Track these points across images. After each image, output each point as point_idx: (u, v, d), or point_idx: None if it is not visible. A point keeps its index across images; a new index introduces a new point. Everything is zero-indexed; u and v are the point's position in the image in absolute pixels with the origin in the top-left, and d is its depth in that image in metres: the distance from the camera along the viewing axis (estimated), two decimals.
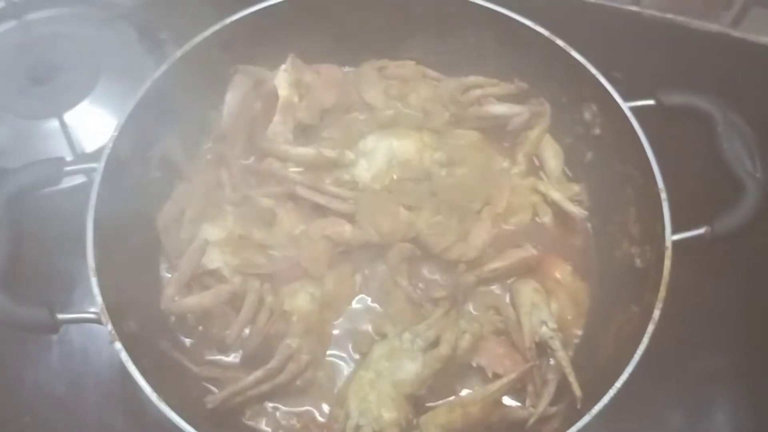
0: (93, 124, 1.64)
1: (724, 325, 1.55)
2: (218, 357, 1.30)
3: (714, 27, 1.98)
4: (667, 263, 1.19)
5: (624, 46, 1.87)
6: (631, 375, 1.12)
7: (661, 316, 1.17)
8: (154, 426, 1.12)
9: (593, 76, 1.37)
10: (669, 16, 1.99)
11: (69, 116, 1.65)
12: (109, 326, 1.11)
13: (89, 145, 1.61)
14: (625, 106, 1.34)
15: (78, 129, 1.64)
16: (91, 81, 1.68)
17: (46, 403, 1.40)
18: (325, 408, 1.26)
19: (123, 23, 1.78)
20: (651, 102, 1.36)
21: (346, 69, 1.56)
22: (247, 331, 1.26)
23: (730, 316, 1.56)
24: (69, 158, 1.37)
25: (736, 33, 1.98)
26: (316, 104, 1.45)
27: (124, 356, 1.09)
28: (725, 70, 1.85)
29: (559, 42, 1.40)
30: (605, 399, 1.09)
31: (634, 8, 2.01)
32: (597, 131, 1.42)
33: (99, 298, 1.12)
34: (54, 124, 1.65)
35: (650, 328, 1.15)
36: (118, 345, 1.10)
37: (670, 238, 1.22)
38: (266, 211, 1.36)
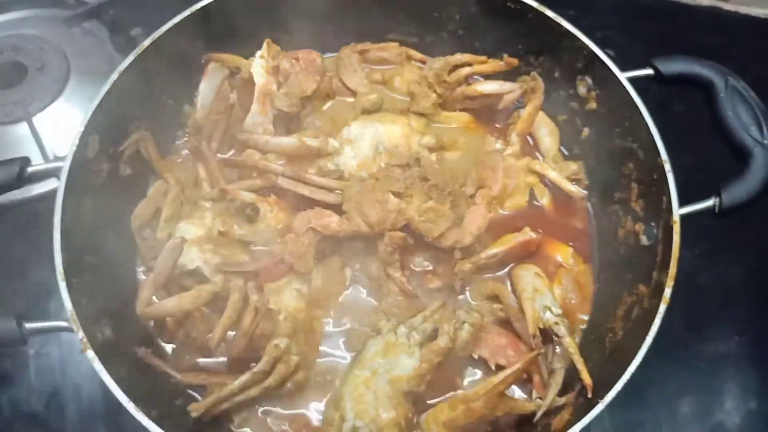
0: (64, 126, 1.55)
1: (734, 307, 1.48)
2: (204, 362, 1.22)
3: (704, 1, 1.93)
4: (676, 238, 1.12)
5: (614, 26, 1.82)
6: (641, 361, 1.05)
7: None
8: None
9: (587, 46, 1.31)
10: None
11: (38, 119, 1.57)
12: (81, 334, 1.03)
13: (60, 148, 1.52)
14: (622, 76, 1.28)
15: (48, 132, 1.56)
16: (61, 82, 1.61)
17: (25, 422, 1.32)
18: (319, 411, 1.18)
19: (92, 21, 1.71)
20: (649, 71, 1.30)
21: (327, 55, 1.48)
22: (231, 333, 1.17)
23: (741, 296, 1.49)
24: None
25: (728, 6, 1.93)
26: (296, 92, 1.37)
27: (98, 365, 1.01)
28: (719, 43, 1.80)
29: (549, 13, 1.33)
30: (618, 385, 1.02)
31: None
32: (593, 105, 1.36)
33: (68, 304, 1.05)
34: (23, 128, 1.57)
35: (662, 308, 1.07)
36: (90, 353, 1.02)
37: (678, 211, 1.15)
38: (247, 205, 1.28)
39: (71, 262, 1.10)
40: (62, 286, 1.06)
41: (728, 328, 1.46)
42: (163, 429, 1.00)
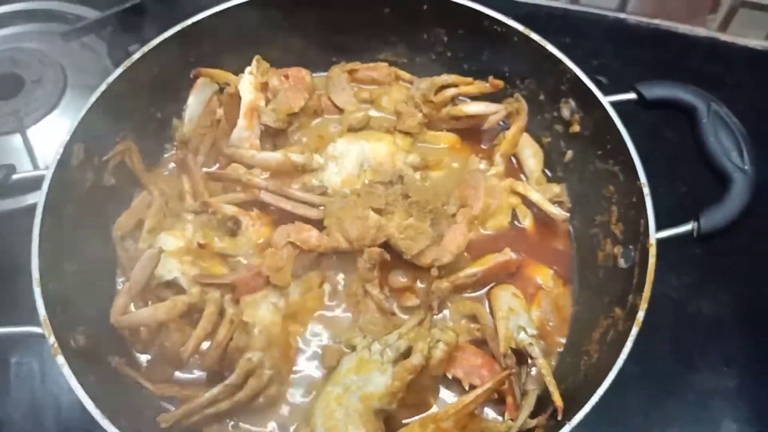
0: (58, 138, 1.57)
1: (723, 336, 1.47)
2: (180, 376, 1.22)
3: (701, 31, 1.94)
4: (652, 261, 1.12)
5: (610, 53, 1.83)
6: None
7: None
8: None
9: (571, 70, 1.32)
10: (655, 21, 1.95)
11: (32, 131, 1.59)
12: (52, 339, 1.03)
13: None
14: (604, 100, 1.28)
15: (41, 144, 1.57)
16: (57, 96, 1.62)
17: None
18: (291, 427, 1.17)
19: (90, 36, 1.73)
20: (632, 96, 1.30)
21: (317, 74, 1.50)
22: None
23: (730, 326, 1.47)
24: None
25: (725, 37, 1.94)
26: (284, 108, 1.39)
27: (67, 371, 1.02)
28: (715, 72, 1.80)
29: (534, 36, 1.34)
30: (587, 407, 1.01)
31: (619, 15, 1.97)
32: (576, 128, 1.36)
33: (41, 311, 1.05)
34: (17, 139, 1.59)
35: (634, 330, 1.06)
36: (60, 359, 1.02)
37: (654, 235, 1.15)
38: (229, 218, 1.29)
39: (49, 269, 1.11)
40: (37, 292, 1.06)
41: (716, 357, 1.44)
42: None
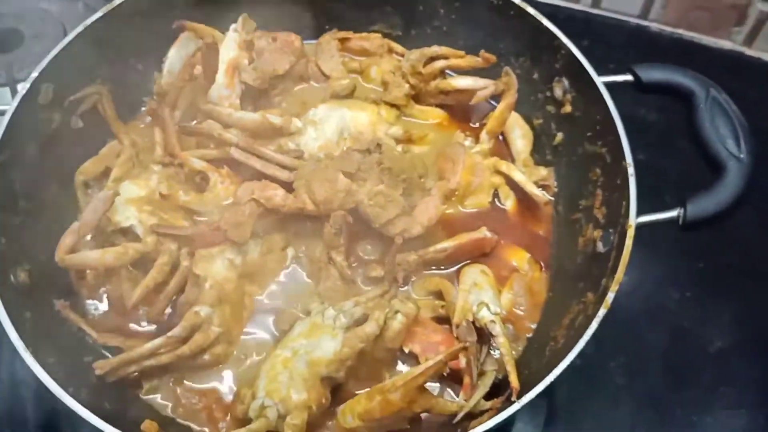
0: None
1: (720, 354, 1.38)
2: (134, 329, 1.17)
3: (725, 44, 1.86)
4: (629, 243, 1.04)
5: (630, 60, 1.76)
6: None
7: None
8: None
9: (566, 46, 1.26)
10: (678, 31, 1.88)
11: (23, 86, 1.57)
12: None
13: None
14: (598, 80, 1.22)
15: None
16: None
17: None
18: (233, 388, 1.11)
19: None
20: (628, 77, 1.24)
21: (308, 42, 1.46)
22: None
23: (729, 344, 1.39)
24: None
25: (750, 51, 1.86)
26: (267, 69, 1.35)
27: None
28: (737, 86, 1.72)
29: (530, 10, 1.29)
30: (539, 388, 0.94)
31: (641, 22, 1.90)
32: (568, 108, 1.30)
33: None
34: (6, 93, 1.57)
35: (602, 312, 0.99)
36: None
37: (635, 218, 1.07)
38: (197, 173, 1.25)
39: (1, 202, 1.08)
40: None
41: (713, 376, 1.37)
42: (55, 378, 0.94)
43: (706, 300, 1.44)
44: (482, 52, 1.31)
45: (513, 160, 1.34)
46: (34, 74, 1.17)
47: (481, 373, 1.07)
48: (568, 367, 0.96)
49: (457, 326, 1.07)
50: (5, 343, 0.97)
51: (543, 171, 1.30)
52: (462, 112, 1.39)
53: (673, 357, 1.38)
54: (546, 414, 1.26)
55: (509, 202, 1.29)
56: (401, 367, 1.14)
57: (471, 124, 1.39)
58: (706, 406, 1.34)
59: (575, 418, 1.31)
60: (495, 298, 1.11)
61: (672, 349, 1.40)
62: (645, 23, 1.89)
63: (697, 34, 1.88)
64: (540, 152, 1.35)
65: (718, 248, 1.47)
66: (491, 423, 0.91)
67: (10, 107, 1.14)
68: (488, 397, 1.04)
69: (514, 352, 1.11)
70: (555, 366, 0.98)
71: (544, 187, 1.30)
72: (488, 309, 1.08)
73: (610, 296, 1.00)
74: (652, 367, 1.38)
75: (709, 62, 1.80)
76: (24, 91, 1.15)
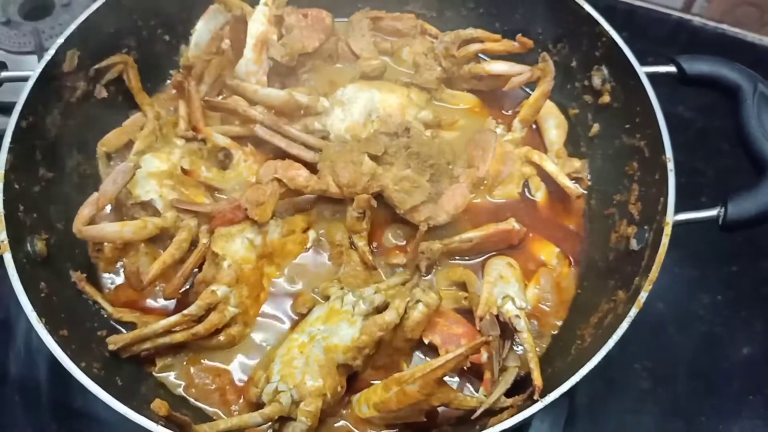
0: None
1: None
2: (151, 305, 1.15)
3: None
4: (665, 241, 1.00)
5: (669, 54, 1.70)
6: None
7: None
8: None
9: (608, 33, 1.21)
10: (722, 26, 1.81)
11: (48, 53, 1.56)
12: (2, 236, 0.97)
13: None
14: (640, 70, 1.17)
15: None
16: None
17: None
18: (248, 370, 1.08)
19: None
20: (671, 69, 1.18)
21: (340, 20, 1.42)
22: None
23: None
24: None
25: None
26: (296, 46, 1.31)
27: (11, 270, 0.95)
28: None
29: None
30: (564, 387, 0.90)
31: (684, 15, 1.83)
32: (606, 99, 1.25)
33: None
34: (32, 60, 1.55)
35: (633, 311, 0.95)
36: (7, 256, 0.96)
37: (672, 215, 1.02)
38: (220, 150, 1.22)
39: (19, 168, 1.06)
40: None
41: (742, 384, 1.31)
42: (67, 352, 0.92)
43: (738, 305, 1.38)
44: (519, 36, 1.26)
45: (545, 151, 1.30)
46: (60, 40, 1.15)
47: (503, 369, 1.03)
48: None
49: (481, 319, 1.03)
50: (22, 313, 0.95)
51: (577, 163, 1.25)
52: (494, 98, 1.34)
53: (700, 362, 1.33)
54: (566, 414, 1.22)
55: (540, 194, 1.25)
56: (419, 358, 1.10)
57: (503, 112, 1.35)
58: (733, 415, 1.29)
59: (597, 421, 1.26)
60: (521, 292, 1.07)
61: (700, 355, 1.35)
62: (688, 17, 1.82)
63: (742, 31, 1.80)
64: (574, 143, 1.30)
65: (752, 252, 1.41)
66: (512, 421, 0.87)
67: (35, 73, 1.11)
68: (509, 393, 1.00)
69: (537, 349, 1.07)
70: (581, 366, 0.94)
71: (577, 180, 1.25)
72: (513, 303, 1.04)
73: (643, 296, 0.95)
74: (679, 371, 1.33)
75: (754, 59, 1.72)
76: (49, 57, 1.13)
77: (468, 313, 1.11)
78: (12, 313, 1.29)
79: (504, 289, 1.06)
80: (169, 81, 1.36)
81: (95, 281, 1.14)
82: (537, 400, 0.91)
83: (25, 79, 1.12)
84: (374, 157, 1.16)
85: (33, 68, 1.11)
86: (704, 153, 1.43)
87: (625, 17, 1.76)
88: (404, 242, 1.20)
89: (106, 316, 1.10)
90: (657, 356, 1.33)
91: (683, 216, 1.03)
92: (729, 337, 1.36)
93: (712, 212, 1.05)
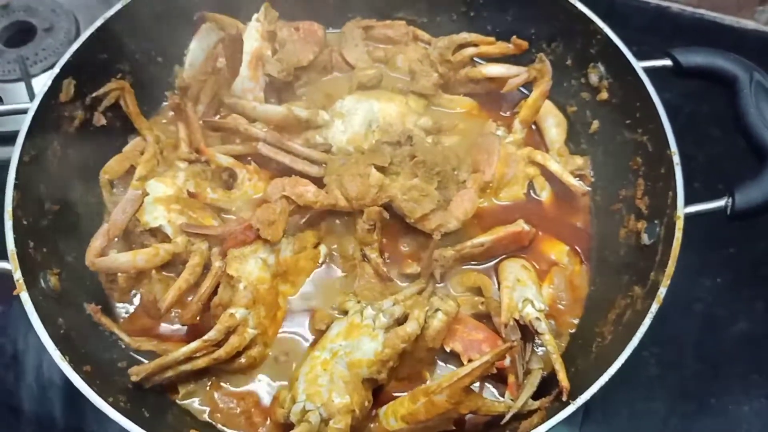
0: None
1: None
2: (167, 332, 1.14)
3: (749, 24, 1.82)
4: (678, 235, 1.01)
5: (648, 43, 1.72)
6: None
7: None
8: None
9: (602, 30, 1.22)
10: (700, 11, 1.84)
11: (37, 81, 1.53)
12: (18, 275, 0.96)
13: None
14: (637, 65, 1.18)
15: None
16: (66, 45, 1.55)
17: None
18: (272, 390, 1.08)
19: None
20: (667, 62, 1.20)
21: (331, 31, 1.41)
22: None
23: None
24: None
25: None
26: (291, 60, 1.31)
27: (30, 308, 0.94)
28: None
29: None
30: (594, 387, 0.91)
31: (661, 3, 1.85)
32: (604, 95, 1.26)
33: (10, 244, 0.98)
34: (21, 88, 1.53)
35: (654, 307, 0.96)
36: (24, 295, 0.95)
37: (683, 208, 1.04)
38: (224, 170, 1.21)
39: (26, 204, 1.04)
40: (8, 225, 1.00)
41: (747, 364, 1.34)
42: (94, 388, 0.91)
43: (738, 287, 1.41)
44: (514, 37, 1.27)
45: (547, 150, 1.31)
46: (56, 70, 1.13)
47: (527, 372, 1.04)
48: None
49: (506, 326, 1.03)
50: (30, 348, 0.94)
51: (579, 160, 1.27)
52: (492, 100, 1.35)
53: (706, 346, 1.35)
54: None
55: (545, 194, 1.26)
56: (442, 366, 1.11)
57: (501, 113, 1.35)
58: (741, 395, 1.31)
59: (609, 410, 1.28)
60: (538, 294, 1.08)
61: (704, 338, 1.36)
62: (665, 3, 1.84)
63: (720, 14, 1.83)
64: (575, 141, 1.32)
65: (749, 235, 1.44)
66: (546, 426, 0.88)
67: (33, 105, 1.10)
68: (534, 395, 1.01)
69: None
70: (608, 364, 0.95)
71: (580, 177, 1.26)
72: (533, 306, 1.05)
73: (662, 291, 0.97)
74: (686, 355, 1.34)
75: (732, 42, 1.76)
76: (46, 88, 1.11)
77: (485, 318, 1.12)
78: (19, 348, 1.27)
79: (523, 292, 1.07)
80: (165, 103, 1.34)
81: (109, 312, 1.12)
82: (568, 402, 0.92)
83: (23, 111, 1.10)
84: (381, 168, 1.16)
85: (23, 98, 1.09)
86: (694, 139, 1.44)
87: (606, 8, 1.78)
88: (413, 251, 1.20)
89: (123, 346, 1.09)
90: (663, 341, 1.34)
91: (692, 208, 1.05)
92: (731, 318, 1.38)
93: (720, 203, 1.06)
